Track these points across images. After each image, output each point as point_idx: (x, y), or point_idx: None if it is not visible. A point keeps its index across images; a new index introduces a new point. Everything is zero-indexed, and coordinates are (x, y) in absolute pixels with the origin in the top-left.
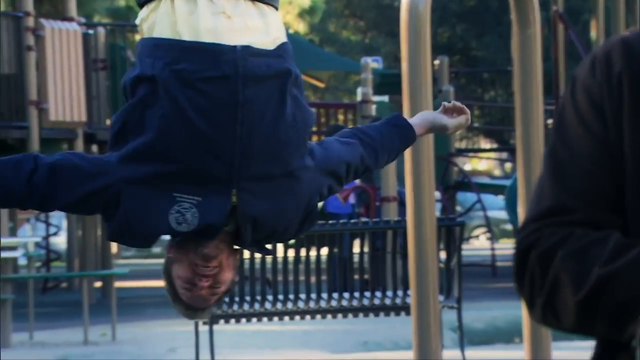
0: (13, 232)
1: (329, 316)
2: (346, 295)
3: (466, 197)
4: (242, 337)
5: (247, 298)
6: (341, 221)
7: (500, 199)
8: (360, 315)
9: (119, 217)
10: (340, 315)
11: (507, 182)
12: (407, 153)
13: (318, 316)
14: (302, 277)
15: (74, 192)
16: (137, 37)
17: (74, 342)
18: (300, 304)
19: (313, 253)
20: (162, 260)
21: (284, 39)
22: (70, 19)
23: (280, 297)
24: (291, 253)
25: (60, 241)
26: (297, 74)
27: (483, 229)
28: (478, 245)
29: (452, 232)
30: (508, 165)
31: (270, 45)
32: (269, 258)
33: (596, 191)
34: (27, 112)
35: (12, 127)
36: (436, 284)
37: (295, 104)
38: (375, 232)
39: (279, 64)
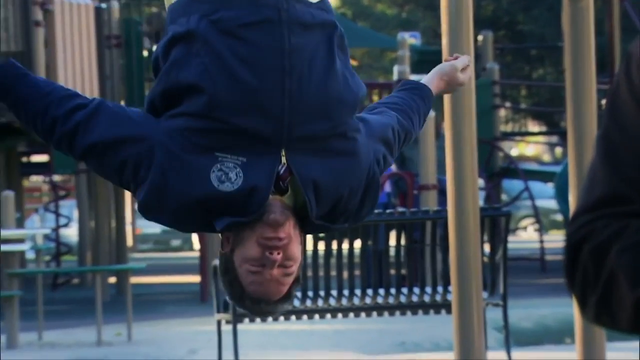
0: (20, 223)
1: (363, 315)
2: (381, 291)
3: (512, 185)
4: (268, 337)
5: None
6: (376, 211)
7: (549, 187)
8: (397, 313)
9: (154, 176)
10: (374, 314)
11: (557, 169)
12: (448, 136)
13: (351, 315)
14: (333, 273)
15: (111, 132)
16: (154, 11)
17: (86, 342)
18: (332, 302)
19: (345, 246)
20: (180, 254)
21: None
22: None
23: (310, 294)
24: (322, 246)
25: (71, 233)
26: (342, 32)
27: (531, 220)
28: (525, 237)
29: (497, 223)
30: (558, 150)
31: None
32: None
33: None
34: None
35: None
36: (479, 279)
37: (344, 65)
38: (413, 223)
39: (323, 15)
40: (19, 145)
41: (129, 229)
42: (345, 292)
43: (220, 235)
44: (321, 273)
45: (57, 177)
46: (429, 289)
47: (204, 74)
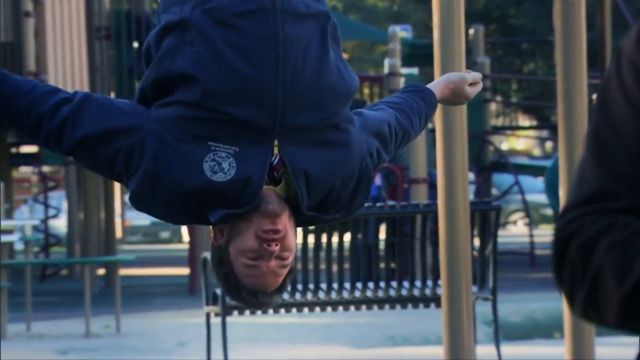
0: (9, 214)
1: (352, 308)
2: (371, 285)
3: (503, 179)
4: (257, 330)
5: None
6: (366, 205)
7: (539, 181)
8: (387, 307)
9: (146, 165)
10: (364, 307)
11: (548, 163)
12: (438, 130)
13: (340, 308)
14: (323, 266)
15: (102, 124)
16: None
17: (74, 334)
18: (321, 295)
19: (335, 239)
20: (169, 247)
21: None
22: None
23: (299, 287)
24: (311, 239)
25: (60, 224)
26: (335, 23)
27: (521, 214)
28: (515, 231)
29: (487, 217)
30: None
31: None
32: None
33: None
34: None
35: None
36: (469, 273)
37: (337, 56)
38: (403, 217)
39: (317, 5)
40: (8, 136)
41: (118, 220)
42: (335, 285)
43: (211, 227)
44: (311, 266)
45: (46, 168)
46: (418, 283)
47: (198, 63)
